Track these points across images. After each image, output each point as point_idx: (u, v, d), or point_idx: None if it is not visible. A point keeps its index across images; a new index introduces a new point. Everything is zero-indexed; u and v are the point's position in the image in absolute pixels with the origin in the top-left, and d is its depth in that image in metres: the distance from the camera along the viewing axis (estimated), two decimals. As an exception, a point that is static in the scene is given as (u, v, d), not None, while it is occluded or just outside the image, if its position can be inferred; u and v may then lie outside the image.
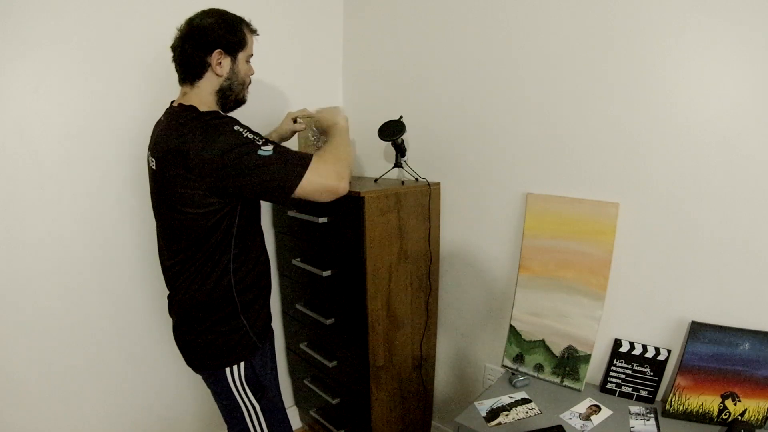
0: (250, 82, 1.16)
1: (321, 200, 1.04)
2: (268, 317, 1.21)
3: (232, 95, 1.11)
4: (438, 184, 1.65)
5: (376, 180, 1.65)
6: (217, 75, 1.06)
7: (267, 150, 0.98)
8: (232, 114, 1.14)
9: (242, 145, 0.96)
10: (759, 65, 1.02)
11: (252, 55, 1.14)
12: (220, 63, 1.05)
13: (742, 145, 1.07)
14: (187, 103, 1.05)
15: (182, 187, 0.98)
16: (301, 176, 0.99)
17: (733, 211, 1.10)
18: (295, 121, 1.40)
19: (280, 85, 1.75)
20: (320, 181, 1.01)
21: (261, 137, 1.00)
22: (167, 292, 1.15)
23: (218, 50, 1.04)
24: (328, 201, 1.05)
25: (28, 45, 1.21)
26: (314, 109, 1.35)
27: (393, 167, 1.64)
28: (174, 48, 1.06)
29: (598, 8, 1.22)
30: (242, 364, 1.11)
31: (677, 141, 1.15)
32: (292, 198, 1.01)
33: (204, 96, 1.07)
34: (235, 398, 1.13)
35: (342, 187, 1.04)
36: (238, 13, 1.09)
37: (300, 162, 1.01)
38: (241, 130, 0.98)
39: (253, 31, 1.13)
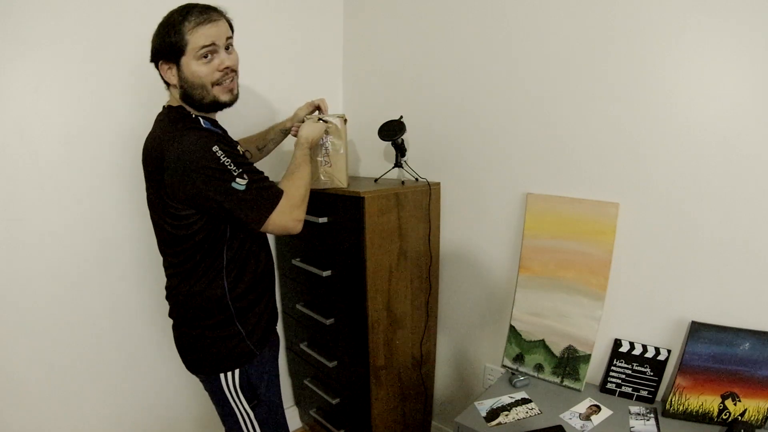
0: (220, 77, 1.02)
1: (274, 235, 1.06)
2: (270, 323, 1.19)
3: (195, 100, 1.03)
4: (438, 184, 1.65)
5: (376, 180, 1.65)
6: (172, 85, 1.04)
7: (241, 184, 0.96)
8: (228, 118, 1.14)
9: (216, 170, 0.94)
10: (759, 65, 1.02)
11: (207, 45, 0.97)
12: (169, 71, 1.01)
13: (742, 145, 1.07)
14: (175, 104, 1.05)
15: (162, 197, 0.97)
16: (266, 218, 1.01)
17: (733, 211, 1.10)
18: (312, 111, 1.40)
19: (280, 85, 1.75)
20: (281, 224, 1.04)
21: (237, 163, 0.97)
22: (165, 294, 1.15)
23: (161, 61, 1.00)
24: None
25: (28, 45, 1.21)
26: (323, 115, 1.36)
27: (393, 167, 1.64)
28: None
29: (598, 8, 1.22)
30: (237, 371, 1.09)
31: (677, 141, 1.15)
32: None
33: (179, 100, 1.06)
34: (230, 404, 1.12)
35: (298, 229, 1.08)
36: (230, 11, 1.04)
37: (269, 202, 1.01)
38: (219, 153, 0.94)
39: (202, 22, 0.96)
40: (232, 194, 0.96)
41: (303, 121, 1.38)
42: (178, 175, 0.94)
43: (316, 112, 1.40)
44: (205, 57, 0.99)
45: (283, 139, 1.47)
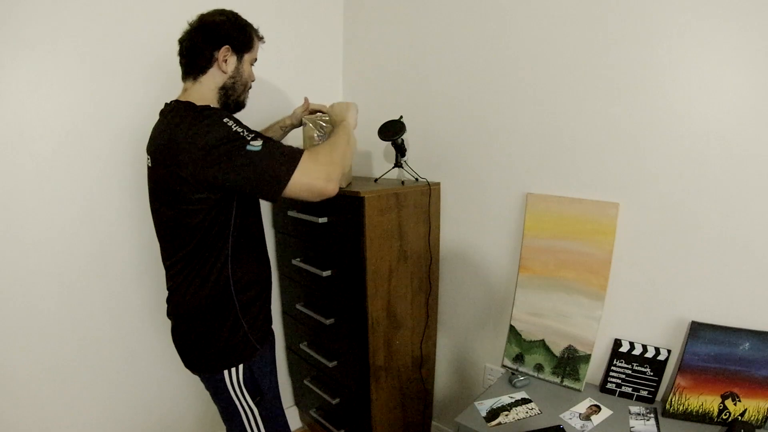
0: (250, 87, 1.17)
1: (308, 200, 1.01)
2: (268, 319, 1.20)
3: (234, 95, 1.11)
4: (438, 184, 1.65)
5: (376, 180, 1.65)
6: (222, 71, 1.07)
7: (256, 145, 0.94)
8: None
9: (230, 139, 0.94)
10: (760, 65, 1.02)
11: (256, 59, 1.15)
12: (226, 60, 1.06)
13: (742, 145, 1.07)
14: (184, 100, 1.04)
15: (173, 182, 0.97)
16: (290, 175, 0.95)
17: (733, 211, 1.10)
18: (312, 113, 1.42)
19: (280, 85, 1.75)
20: (307, 181, 0.97)
21: (250, 131, 0.98)
22: (166, 292, 1.14)
23: (226, 46, 1.05)
24: (315, 201, 1.01)
25: (29, 45, 1.21)
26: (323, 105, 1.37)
27: (393, 167, 1.64)
28: (182, 41, 1.07)
29: (598, 9, 1.22)
30: (240, 367, 1.09)
31: (677, 141, 1.15)
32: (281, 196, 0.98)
33: (205, 92, 1.07)
34: (233, 401, 1.12)
35: (330, 189, 0.99)
36: (240, 15, 1.11)
37: (289, 160, 0.96)
38: (230, 123, 0.96)
39: (260, 38, 1.14)
40: (249, 157, 0.93)
41: (301, 122, 1.39)
42: (195, 152, 0.93)
43: (318, 114, 1.40)
44: (252, 65, 1.15)
45: (283, 137, 1.47)
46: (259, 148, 0.94)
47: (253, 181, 0.95)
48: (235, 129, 0.95)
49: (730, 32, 1.04)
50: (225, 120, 0.96)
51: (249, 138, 0.95)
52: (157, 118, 1.10)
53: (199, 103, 1.02)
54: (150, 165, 1.06)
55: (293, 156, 0.97)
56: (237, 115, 1.14)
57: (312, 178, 0.97)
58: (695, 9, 1.07)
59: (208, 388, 1.16)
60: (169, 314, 1.14)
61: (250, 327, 1.11)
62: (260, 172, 0.94)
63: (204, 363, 1.11)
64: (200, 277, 1.05)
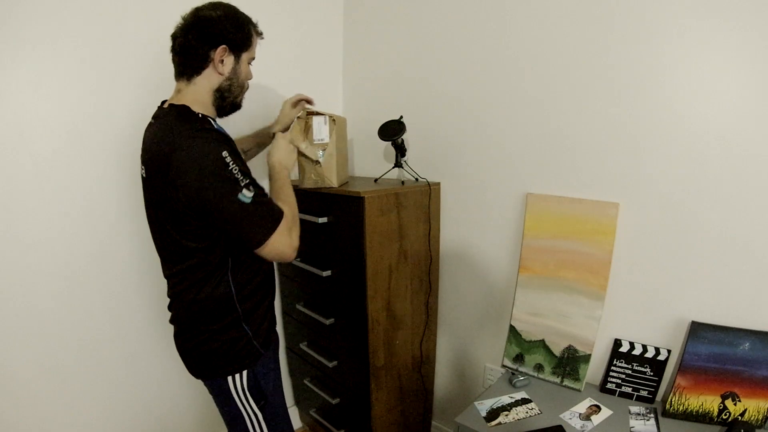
0: (248, 87, 1.12)
1: (267, 259, 1.06)
2: (272, 323, 1.18)
3: (230, 97, 1.07)
4: (438, 184, 1.65)
5: (376, 180, 1.65)
6: (218, 73, 1.02)
7: (247, 196, 0.93)
8: (227, 119, 1.12)
9: (225, 179, 0.91)
10: (759, 65, 1.02)
11: (254, 58, 1.10)
12: (222, 60, 1.01)
13: (742, 145, 1.07)
14: (179, 103, 0.99)
15: (173, 203, 0.94)
16: (267, 238, 0.98)
17: (733, 211, 1.10)
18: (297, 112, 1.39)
19: (280, 86, 1.75)
20: (279, 249, 1.00)
21: (245, 174, 0.95)
22: (166, 294, 1.13)
23: (223, 46, 0.99)
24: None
25: (28, 45, 1.21)
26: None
27: (393, 167, 1.64)
28: (175, 37, 1.00)
29: (598, 9, 1.22)
30: (244, 372, 1.08)
31: (677, 141, 1.15)
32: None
33: (200, 94, 1.02)
34: (237, 406, 1.10)
35: (292, 257, 1.04)
36: (239, 9, 1.06)
37: (269, 224, 0.98)
38: (228, 160, 0.92)
39: (259, 34, 1.09)
40: (237, 205, 0.93)
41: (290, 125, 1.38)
42: (188, 180, 0.90)
43: (303, 114, 1.39)
44: (250, 64, 1.10)
45: (269, 143, 1.44)
46: (248, 201, 0.94)
47: (231, 230, 0.97)
48: (231, 167, 0.92)
49: (730, 32, 1.04)
50: (224, 154, 0.91)
51: (242, 185, 0.93)
52: None
53: (194, 106, 0.99)
54: (145, 176, 1.01)
55: (274, 220, 0.99)
56: (233, 117, 1.13)
57: (283, 247, 1.01)
58: (695, 9, 1.07)
59: (211, 393, 1.14)
60: (172, 321, 1.13)
61: (254, 333, 1.09)
62: (242, 224, 0.95)
63: (207, 369, 1.09)
64: (201, 288, 1.03)
